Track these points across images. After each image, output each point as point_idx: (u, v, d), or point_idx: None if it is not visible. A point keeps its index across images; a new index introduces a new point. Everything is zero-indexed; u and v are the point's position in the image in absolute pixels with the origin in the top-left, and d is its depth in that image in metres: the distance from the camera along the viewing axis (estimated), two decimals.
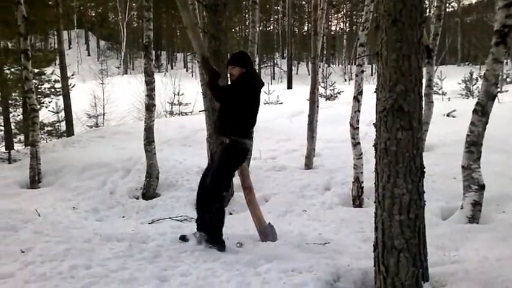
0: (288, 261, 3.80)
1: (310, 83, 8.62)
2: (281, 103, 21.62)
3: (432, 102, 8.06)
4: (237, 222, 5.54)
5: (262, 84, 4.46)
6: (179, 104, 21.28)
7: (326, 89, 21.15)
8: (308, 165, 8.22)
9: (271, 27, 57.81)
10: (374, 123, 2.95)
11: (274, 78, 45.63)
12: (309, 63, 44.73)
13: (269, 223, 4.72)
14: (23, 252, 4.13)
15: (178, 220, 6.07)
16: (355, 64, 7.48)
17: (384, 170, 2.84)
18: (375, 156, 2.94)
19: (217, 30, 6.62)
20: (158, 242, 4.36)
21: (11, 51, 14.31)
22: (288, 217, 6.02)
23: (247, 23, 54.97)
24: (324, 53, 44.96)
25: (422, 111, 2.88)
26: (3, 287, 3.37)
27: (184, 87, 22.25)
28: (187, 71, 47.82)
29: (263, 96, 21.46)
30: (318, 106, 8.80)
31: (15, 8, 9.00)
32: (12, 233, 4.69)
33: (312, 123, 8.44)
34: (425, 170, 2.91)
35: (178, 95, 21.29)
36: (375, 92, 2.93)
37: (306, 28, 57.02)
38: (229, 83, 4.68)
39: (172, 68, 48.53)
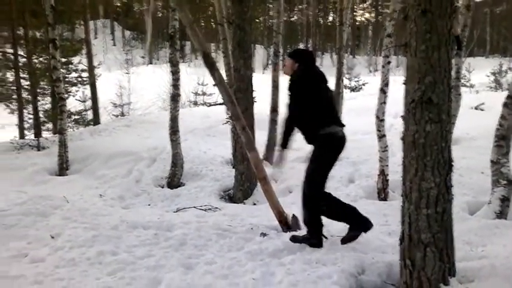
0: (312, 252, 3.80)
1: (336, 74, 8.55)
2: None
3: (460, 94, 7.88)
4: (260, 213, 5.58)
5: (324, 79, 4.08)
6: (204, 94, 21.38)
7: (350, 80, 20.93)
8: None
9: (296, 18, 57.34)
10: (401, 116, 2.91)
11: None
12: (334, 54, 44.20)
13: (293, 214, 4.73)
14: (52, 237, 4.25)
15: (203, 209, 6.13)
16: (380, 55, 7.38)
17: (412, 163, 2.81)
18: (403, 149, 2.91)
19: (242, 21, 6.63)
20: (183, 231, 4.42)
21: (39, 41, 14.60)
22: None
23: (270, 13, 54.72)
24: (349, 43, 44.43)
25: (451, 103, 2.83)
26: (35, 271, 3.47)
27: (208, 78, 22.28)
28: None
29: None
30: (342, 97, 8.73)
31: None
32: (42, 219, 4.82)
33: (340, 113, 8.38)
34: (453, 163, 2.87)
35: (202, 85, 21.38)
36: (403, 83, 2.89)
37: (330, 18, 56.43)
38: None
39: (196, 59, 48.57)
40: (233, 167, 7.69)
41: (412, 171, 2.81)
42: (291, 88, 3.95)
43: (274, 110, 8.54)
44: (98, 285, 3.20)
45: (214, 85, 4.84)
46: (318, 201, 3.92)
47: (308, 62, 4.13)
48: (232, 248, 3.96)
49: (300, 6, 54.20)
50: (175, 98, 7.82)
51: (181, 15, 4.82)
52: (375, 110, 6.42)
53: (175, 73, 7.78)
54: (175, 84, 7.81)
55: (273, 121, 8.45)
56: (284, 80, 8.92)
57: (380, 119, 6.34)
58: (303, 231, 4.43)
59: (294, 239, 3.99)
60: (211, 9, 52.32)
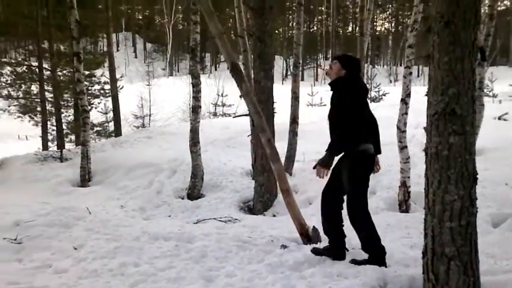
0: (333, 265, 3.76)
1: None
2: (325, 105, 21.46)
3: (483, 105, 7.77)
4: (280, 224, 5.56)
5: (366, 90, 4.04)
6: (223, 105, 21.52)
7: (371, 91, 20.80)
8: None
9: (315, 28, 57.46)
10: (424, 128, 2.88)
11: (317, 80, 45.30)
12: None
13: (313, 226, 4.70)
14: (75, 248, 4.31)
15: (223, 221, 6.14)
16: (401, 65, 7.32)
17: (435, 176, 2.77)
18: (426, 161, 2.87)
19: (263, 33, 6.68)
20: (203, 243, 4.43)
21: (63, 54, 14.94)
22: None
23: (290, 24, 54.95)
24: (369, 53, 44.28)
25: (475, 114, 2.79)
26: (59, 281, 3.52)
27: (227, 89, 22.47)
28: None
29: (306, 98, 21.41)
30: None
31: (69, 13, 9.37)
32: (66, 230, 4.90)
33: None
34: (478, 176, 2.82)
35: (222, 96, 21.54)
36: (426, 95, 2.86)
37: (350, 29, 56.40)
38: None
39: (215, 70, 49.02)
40: (253, 179, 7.70)
41: (435, 184, 2.77)
42: (336, 96, 3.84)
43: (294, 121, 8.52)
44: None
45: (240, 96, 4.86)
46: (365, 219, 3.83)
47: (355, 71, 3.93)
48: (252, 260, 3.95)
49: (319, 17, 54.35)
50: (195, 109, 7.89)
51: (211, 26, 4.86)
52: (397, 121, 6.36)
53: (196, 85, 7.85)
54: (196, 96, 7.88)
55: (292, 132, 8.43)
56: (304, 91, 8.89)
57: (401, 130, 6.28)
58: (323, 243, 4.40)
59: (315, 251, 3.96)
60: (231, 21, 52.85)
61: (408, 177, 6.26)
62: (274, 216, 6.64)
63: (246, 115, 5.01)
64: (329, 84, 3.97)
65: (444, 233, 2.75)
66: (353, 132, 3.72)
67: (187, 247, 4.33)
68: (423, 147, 2.92)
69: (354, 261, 3.82)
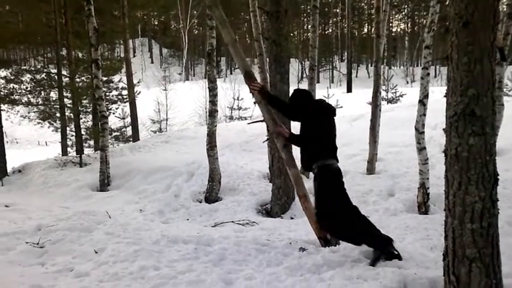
0: (352, 268, 3.75)
1: (373, 86, 8.47)
2: (341, 107, 21.37)
3: (503, 105, 7.66)
4: (298, 227, 5.56)
5: (334, 111, 4.47)
6: (239, 108, 21.59)
7: (387, 92, 20.67)
8: (370, 170, 8.07)
9: (330, 30, 57.30)
10: (443, 129, 2.86)
11: (333, 82, 45.17)
12: (369, 65, 43.60)
13: None
14: (96, 252, 4.36)
15: (241, 224, 6.16)
16: (417, 65, 7.26)
17: (455, 177, 2.75)
18: (445, 163, 2.85)
19: (278, 36, 6.70)
20: (222, 246, 4.44)
21: (81, 61, 15.17)
22: None
23: (305, 27, 54.89)
24: (385, 54, 44.00)
25: (495, 115, 2.77)
26: (80, 285, 3.57)
27: (243, 92, 22.54)
28: None
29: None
30: (380, 110, 8.64)
31: (87, 20, 9.52)
32: (86, 234, 4.95)
33: (375, 128, 8.28)
34: (498, 177, 2.79)
35: (238, 100, 21.61)
36: (445, 96, 2.85)
37: (365, 30, 56.10)
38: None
39: (231, 74, 49.25)
40: (270, 181, 7.71)
41: (455, 185, 2.75)
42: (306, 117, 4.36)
43: None
44: None
45: (254, 103, 4.89)
46: (343, 226, 4.12)
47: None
48: (271, 263, 3.95)
49: (334, 19, 54.16)
50: (212, 113, 7.94)
51: (224, 33, 4.88)
52: (415, 122, 6.31)
53: (213, 89, 7.90)
54: (213, 100, 7.93)
55: None
56: (319, 94, 8.88)
57: (419, 132, 6.24)
58: (342, 246, 4.39)
59: (373, 263, 3.90)
60: (246, 25, 53.01)
61: (427, 178, 6.21)
62: (292, 218, 6.65)
63: (260, 121, 5.01)
64: None
65: (466, 235, 2.72)
66: (323, 149, 4.26)
67: (206, 250, 4.35)
68: (441, 149, 2.90)
69: (373, 263, 3.86)
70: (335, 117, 4.48)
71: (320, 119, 4.33)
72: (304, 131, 4.35)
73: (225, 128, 13.17)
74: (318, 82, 31.44)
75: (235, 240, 4.62)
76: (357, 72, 48.57)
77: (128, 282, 3.60)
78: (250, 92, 4.70)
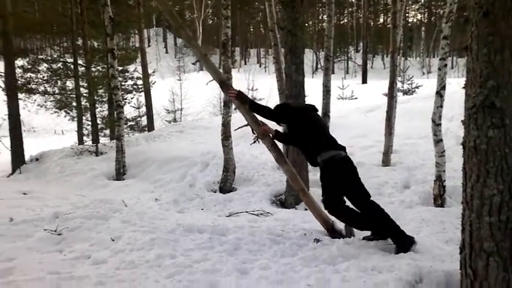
0: (367, 259, 3.75)
1: (389, 77, 8.40)
2: (356, 98, 21.27)
3: None
4: (312, 218, 5.50)
5: (315, 108, 4.66)
6: (254, 99, 21.55)
7: (403, 83, 20.46)
8: (386, 162, 8.02)
9: (345, 20, 56.79)
10: (462, 121, 2.83)
11: (348, 73, 44.85)
12: (385, 56, 43.07)
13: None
14: (113, 240, 4.42)
15: (255, 214, 6.18)
16: (434, 56, 7.16)
17: (473, 170, 2.71)
18: (463, 155, 2.82)
19: (294, 26, 6.65)
20: (237, 235, 4.47)
21: (97, 50, 15.26)
22: None
23: (320, 17, 54.47)
24: (401, 45, 43.46)
25: None
26: (98, 272, 3.63)
27: (257, 83, 22.53)
28: (260, 66, 48.31)
29: (337, 91, 21.21)
30: (396, 101, 8.56)
31: (102, 10, 9.56)
32: (103, 222, 5.02)
33: (390, 119, 8.22)
34: None
35: (252, 90, 21.59)
36: (463, 87, 2.81)
37: (381, 20, 55.48)
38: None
39: (245, 64, 49.19)
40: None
41: (473, 178, 2.72)
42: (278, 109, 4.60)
43: (325, 114, 8.49)
44: (157, 287, 3.30)
45: (235, 109, 5.01)
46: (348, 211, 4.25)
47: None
48: (285, 253, 3.97)
49: (350, 9, 53.66)
50: (227, 103, 7.94)
51: (194, 52, 5.06)
52: (432, 114, 6.25)
53: (228, 80, 7.89)
54: None
55: None
56: (334, 85, 8.83)
57: (436, 123, 6.17)
58: (357, 237, 4.39)
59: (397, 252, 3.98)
60: (260, 14, 52.79)
61: (444, 171, 6.16)
62: (306, 209, 6.62)
63: (245, 125, 5.06)
64: None
65: (483, 228, 2.70)
66: (321, 143, 4.35)
67: (221, 240, 4.38)
68: (458, 141, 2.88)
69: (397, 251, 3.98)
70: (318, 113, 4.67)
71: (306, 116, 4.47)
72: (294, 131, 4.49)
73: (240, 118, 13.15)
74: (333, 73, 31.20)
75: (250, 231, 4.65)
76: (372, 63, 48.14)
77: (144, 270, 3.65)
78: (230, 98, 4.85)
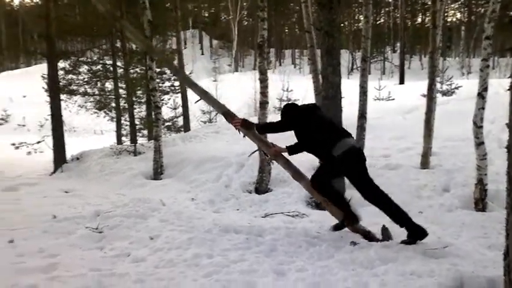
0: (406, 263, 3.68)
1: (428, 78, 8.22)
2: (393, 99, 20.92)
3: None
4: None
5: (315, 106, 4.85)
6: (288, 100, 21.52)
7: (442, 84, 19.97)
8: (425, 164, 7.85)
9: (382, 20, 55.93)
10: (506, 123, 2.75)
11: (384, 73, 44.14)
12: (422, 56, 42.16)
13: (383, 225, 4.61)
14: (151, 239, 4.52)
15: (291, 216, 6.17)
16: (474, 57, 6.97)
17: None
18: (508, 159, 2.74)
19: (331, 28, 6.60)
20: (273, 236, 4.49)
21: (135, 53, 15.57)
22: None
23: (356, 17, 53.85)
24: (440, 45, 42.42)
25: None
26: (137, 270, 3.71)
27: (292, 84, 22.47)
28: (295, 67, 48.15)
29: (373, 92, 20.92)
30: (435, 103, 8.38)
31: (141, 13, 9.76)
32: (142, 221, 5.13)
33: (429, 121, 8.05)
34: None
35: (287, 91, 21.55)
36: (508, 89, 2.73)
37: (419, 20, 54.37)
38: None
39: (280, 65, 49.16)
40: None
41: None
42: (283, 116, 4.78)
43: (362, 116, 8.39)
44: (195, 286, 3.35)
45: (237, 128, 5.12)
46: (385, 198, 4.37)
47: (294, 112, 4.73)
48: (322, 256, 3.95)
49: (386, 9, 52.84)
50: (263, 105, 7.96)
51: (195, 92, 5.25)
52: (473, 116, 6.09)
53: (264, 81, 7.92)
54: (263, 92, 7.95)
55: (360, 127, 8.31)
56: (371, 85, 8.69)
57: (477, 126, 6.01)
58: (395, 241, 4.32)
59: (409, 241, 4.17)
60: (295, 15, 52.66)
61: (485, 174, 5.99)
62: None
63: (256, 150, 5.39)
64: None
65: None
66: (328, 140, 4.45)
67: (257, 240, 4.41)
68: (500, 144, 2.81)
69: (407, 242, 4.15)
70: (319, 111, 4.78)
71: (311, 116, 4.57)
72: (304, 135, 4.59)
73: (275, 119, 13.16)
74: (369, 73, 30.82)
75: (286, 232, 4.66)
76: (409, 63, 47.22)
77: (182, 268, 3.71)
78: (236, 129, 5.01)
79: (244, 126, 4.87)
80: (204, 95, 5.33)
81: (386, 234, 4.54)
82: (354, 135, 8.11)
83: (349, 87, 14.92)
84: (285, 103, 5.13)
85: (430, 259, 3.87)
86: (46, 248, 4.32)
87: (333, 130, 4.51)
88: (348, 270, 3.60)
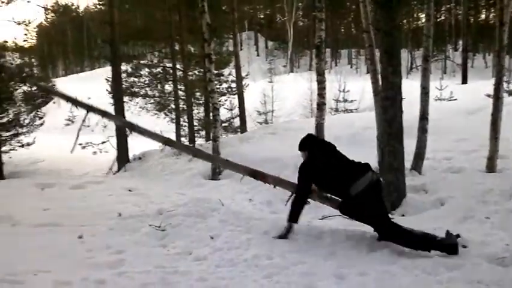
0: (472, 271, 3.55)
1: (495, 77, 7.85)
2: (455, 99, 20.17)
3: None
4: (410, 225, 5.33)
5: (333, 147, 4.91)
6: (345, 101, 21.29)
7: (509, 84, 19.03)
8: (491, 168, 7.50)
9: (443, 18, 53.92)
10: None
11: (445, 73, 42.51)
12: (487, 55, 40.23)
13: (447, 231, 4.45)
14: (212, 238, 4.61)
15: (348, 218, 6.08)
16: None
17: None
18: None
19: (390, 27, 6.47)
20: (332, 239, 4.45)
21: (193, 55, 15.98)
22: (468, 224, 5.58)
23: (415, 14, 52.25)
24: (507, 43, 40.32)
25: None
26: (199, 268, 3.81)
27: (348, 84, 22.19)
28: (351, 67, 47.45)
29: (434, 92, 20.24)
30: (502, 103, 7.98)
31: (200, 17, 9.98)
32: (202, 220, 5.23)
33: (496, 122, 7.68)
34: None
35: (344, 92, 21.33)
36: None
37: (483, 16, 51.98)
38: None
39: (336, 65, 48.61)
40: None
41: None
42: (302, 172, 4.76)
43: (423, 117, 8.14)
44: (256, 287, 3.39)
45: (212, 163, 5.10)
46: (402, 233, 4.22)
47: (312, 145, 4.85)
48: (384, 261, 3.87)
49: (448, 6, 50.92)
50: (320, 106, 7.94)
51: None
52: None
53: (321, 82, 7.90)
54: (321, 93, 7.93)
55: (422, 129, 8.06)
56: (431, 85, 8.39)
57: None
58: (461, 250, 4.14)
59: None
60: (351, 15, 51.90)
61: None
62: (403, 216, 6.42)
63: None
64: None
65: None
66: (343, 184, 4.44)
67: (316, 243, 4.40)
68: None
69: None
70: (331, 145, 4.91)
71: (322, 164, 4.66)
72: (322, 180, 4.66)
73: (331, 121, 13.04)
74: (430, 73, 29.83)
75: (346, 235, 4.60)
76: (472, 62, 45.22)
77: (242, 268, 3.77)
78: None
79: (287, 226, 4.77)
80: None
81: (450, 238, 4.38)
82: (414, 137, 7.97)
83: (408, 87, 14.52)
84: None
85: (497, 267, 3.72)
86: (113, 244, 4.53)
87: (347, 170, 4.54)
88: (411, 276, 3.52)
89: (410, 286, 3.32)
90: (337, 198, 4.70)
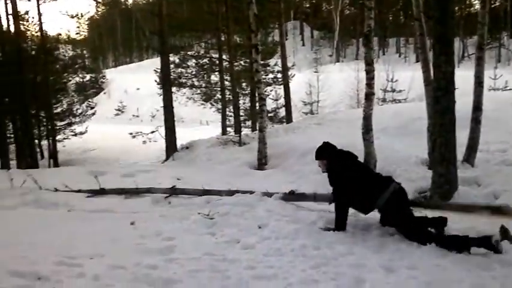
0: None
1: None
2: (510, 89, 19.32)
3: None
4: (464, 218, 5.20)
5: (354, 157, 4.85)
6: (393, 91, 20.82)
7: None
8: None
9: (498, 3, 51.45)
10: None
11: (500, 61, 40.69)
12: None
13: (502, 225, 4.29)
14: (259, 227, 4.66)
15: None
16: None
17: None
18: None
19: (443, 15, 6.26)
20: (380, 232, 4.41)
21: (240, 46, 16.06)
22: None
23: (467, 1, 50.10)
24: None
25: None
26: (247, 256, 3.86)
27: (397, 74, 21.67)
28: (399, 56, 46.20)
29: (488, 82, 19.45)
30: None
31: (248, 7, 9.99)
32: (249, 209, 5.31)
33: None
34: None
35: (392, 81, 20.85)
36: None
37: None
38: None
39: (383, 54, 47.46)
40: (429, 168, 7.33)
41: None
42: (334, 183, 4.67)
43: (477, 108, 7.85)
44: (304, 276, 3.40)
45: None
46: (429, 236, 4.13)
47: (332, 152, 4.80)
48: (435, 254, 3.77)
49: None
50: (369, 96, 7.80)
51: None
52: None
53: (369, 72, 7.76)
54: (369, 83, 7.79)
55: (475, 120, 7.77)
56: (485, 75, 8.07)
57: None
58: None
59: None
60: (399, 3, 50.44)
61: None
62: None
63: None
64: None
65: None
66: (369, 198, 4.47)
67: (363, 236, 4.36)
68: None
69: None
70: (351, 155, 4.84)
71: (350, 177, 4.59)
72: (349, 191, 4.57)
73: (379, 111, 12.79)
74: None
75: (394, 228, 4.53)
76: None
77: (290, 258, 3.79)
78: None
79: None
80: None
81: (506, 236, 4.23)
82: (466, 128, 7.70)
83: (460, 76, 14.02)
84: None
85: None
86: (163, 231, 4.67)
87: (373, 181, 4.55)
88: (463, 271, 3.43)
89: (463, 281, 3.23)
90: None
